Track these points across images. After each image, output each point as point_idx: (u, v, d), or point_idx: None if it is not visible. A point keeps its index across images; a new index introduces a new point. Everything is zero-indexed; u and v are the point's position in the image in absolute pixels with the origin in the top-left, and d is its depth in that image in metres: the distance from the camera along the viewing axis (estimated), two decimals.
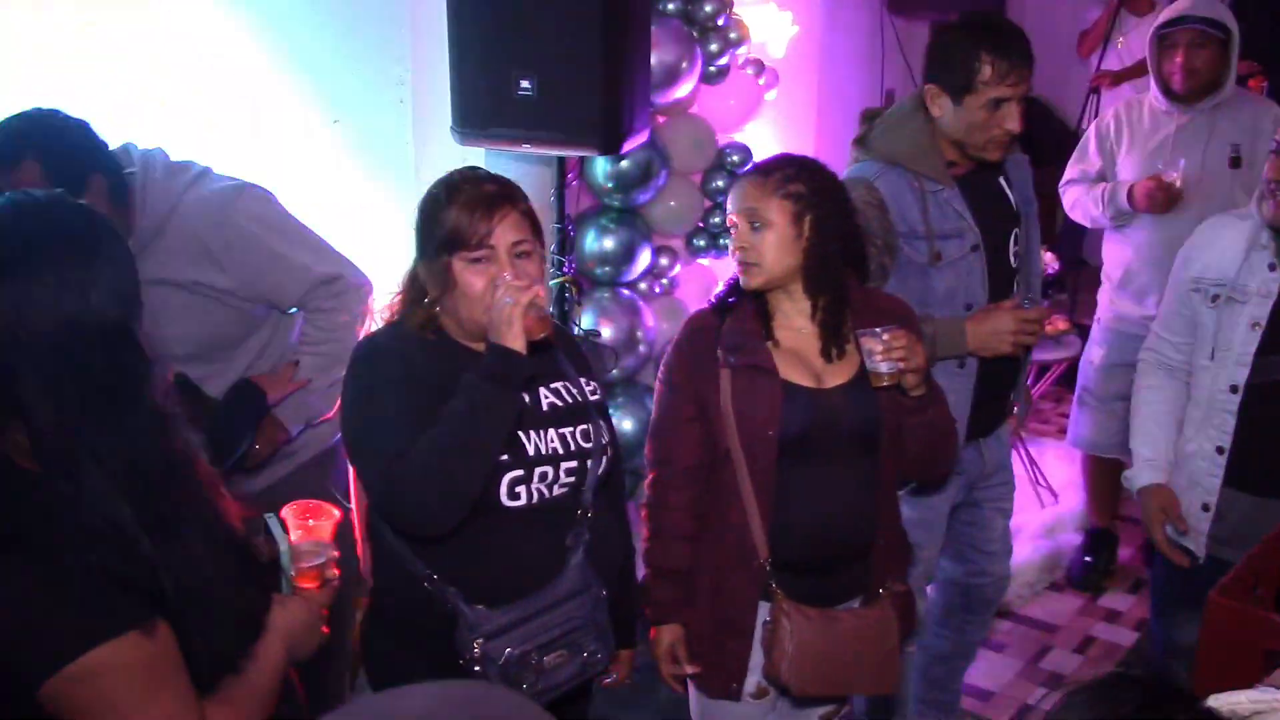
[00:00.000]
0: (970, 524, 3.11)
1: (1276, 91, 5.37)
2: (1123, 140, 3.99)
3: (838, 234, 2.37)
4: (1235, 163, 3.83)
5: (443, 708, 0.87)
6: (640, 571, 2.54)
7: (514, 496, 2.13)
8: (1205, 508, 2.75)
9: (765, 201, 2.35)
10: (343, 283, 2.77)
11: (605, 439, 2.28)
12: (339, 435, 2.85)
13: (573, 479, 2.20)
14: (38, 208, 1.52)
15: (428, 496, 2.01)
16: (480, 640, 2.08)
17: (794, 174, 2.35)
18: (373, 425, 2.09)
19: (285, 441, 2.76)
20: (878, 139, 2.86)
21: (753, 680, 2.47)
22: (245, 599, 1.65)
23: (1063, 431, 4.80)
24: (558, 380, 2.27)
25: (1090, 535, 4.44)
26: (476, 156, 3.56)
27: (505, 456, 2.10)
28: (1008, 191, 2.91)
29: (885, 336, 2.31)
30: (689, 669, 2.47)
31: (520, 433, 2.13)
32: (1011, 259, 2.90)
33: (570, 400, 2.25)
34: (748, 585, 2.41)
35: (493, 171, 3.62)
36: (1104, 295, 4.15)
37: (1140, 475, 2.86)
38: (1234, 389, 2.69)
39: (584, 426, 2.23)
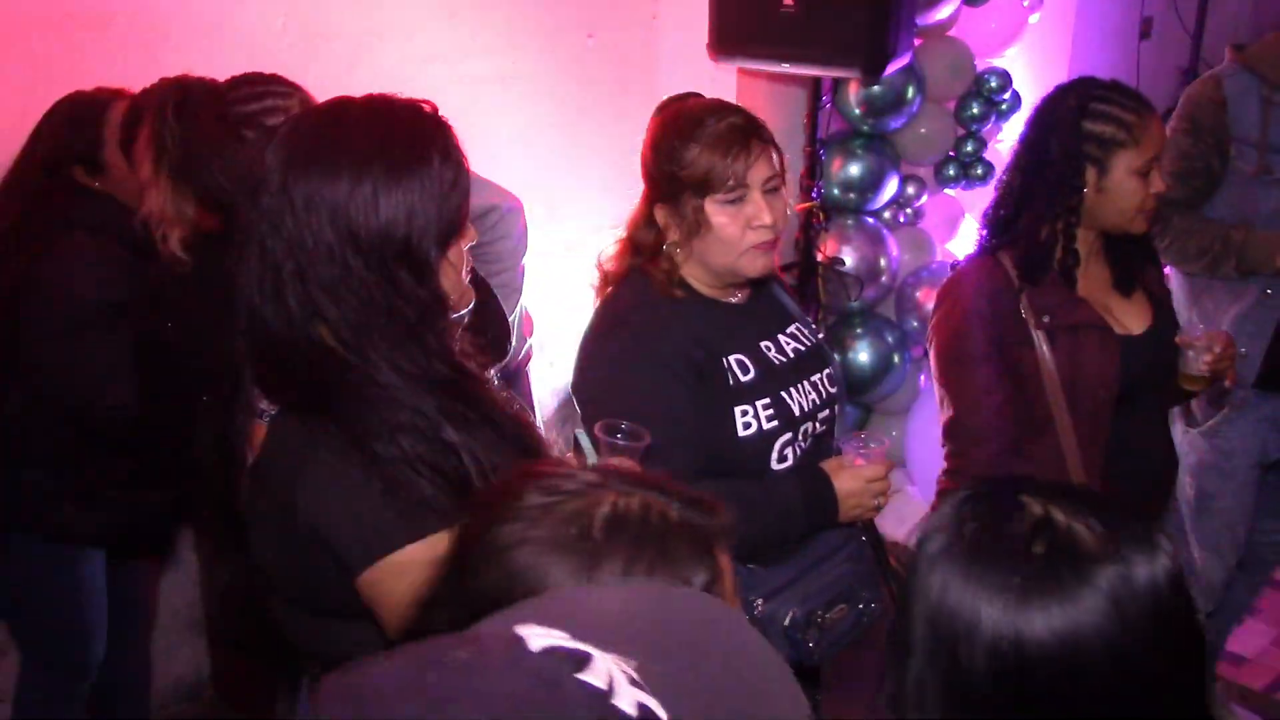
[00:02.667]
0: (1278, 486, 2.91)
1: None
2: None
3: None
4: None
5: (644, 603, 0.84)
6: None
7: (783, 459, 2.03)
8: None
9: None
10: (498, 212, 2.73)
11: (842, 378, 2.16)
12: (519, 358, 2.84)
13: (825, 427, 2.10)
14: (385, 109, 1.51)
15: None
16: (760, 600, 1.98)
17: None
18: (626, 412, 1.88)
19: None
20: (1255, 45, 2.75)
21: None
22: None
23: None
24: (790, 323, 2.14)
25: None
26: (729, 75, 3.50)
27: (775, 422, 1.99)
28: None
29: (1213, 345, 2.20)
30: None
31: (783, 392, 2.02)
32: None
33: (809, 343, 2.14)
34: None
35: (746, 89, 3.59)
36: None
37: None
38: None
39: (828, 370, 2.12)
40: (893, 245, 3.74)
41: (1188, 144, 2.63)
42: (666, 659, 0.75)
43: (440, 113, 1.52)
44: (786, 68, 3.22)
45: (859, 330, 3.79)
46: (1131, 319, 2.27)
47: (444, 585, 1.12)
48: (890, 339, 3.78)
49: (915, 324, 3.77)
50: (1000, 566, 1.05)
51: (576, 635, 0.71)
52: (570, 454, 1.78)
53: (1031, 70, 4.15)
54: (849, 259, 3.69)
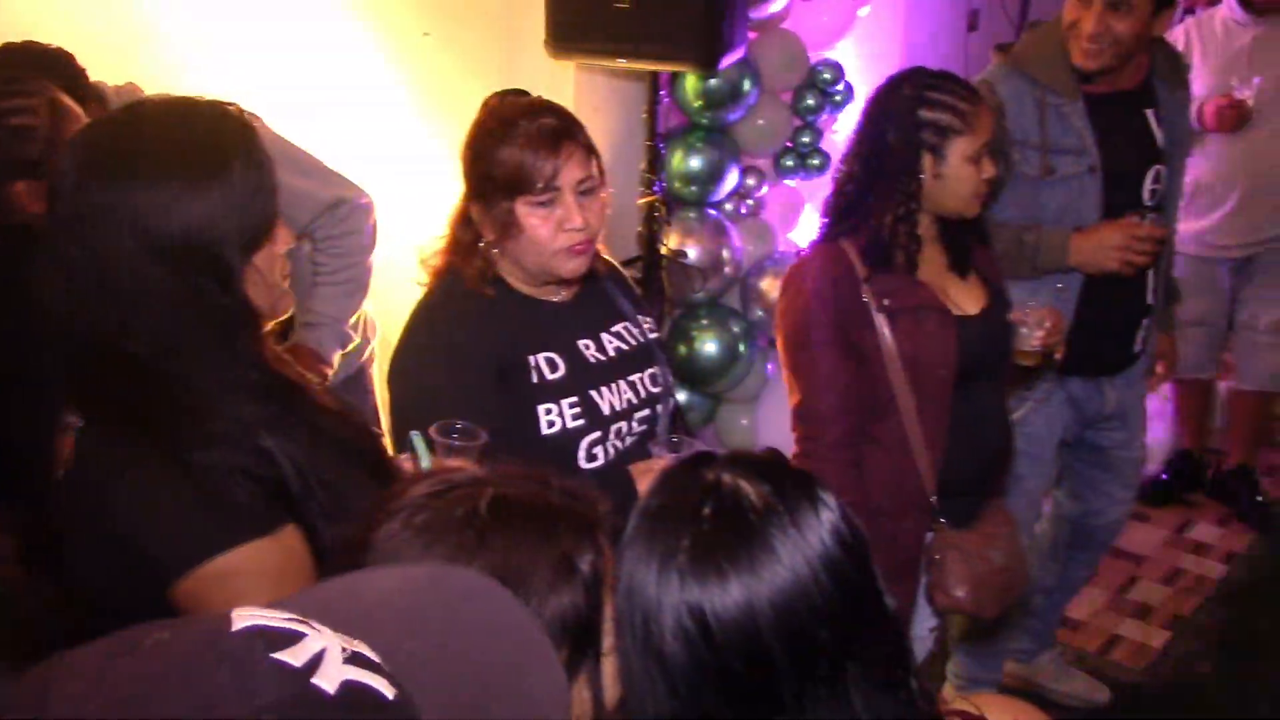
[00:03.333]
0: (1092, 465, 3.05)
1: None
2: (1193, 56, 3.87)
3: None
4: None
5: (406, 584, 0.87)
6: None
7: (591, 459, 2.03)
8: None
9: None
10: (348, 205, 2.68)
11: (670, 378, 2.17)
12: (363, 359, 2.81)
13: (644, 428, 2.11)
14: (186, 111, 1.48)
15: None
16: None
17: None
18: (423, 403, 1.92)
19: (325, 375, 2.64)
20: (1018, 46, 2.82)
21: (924, 619, 2.46)
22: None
23: None
24: (618, 322, 2.15)
25: (1174, 455, 4.40)
26: (567, 71, 3.50)
27: (582, 421, 2.00)
28: (1155, 127, 2.79)
29: (1043, 319, 2.30)
30: None
31: (593, 391, 2.03)
32: (1146, 195, 2.79)
33: (634, 342, 2.14)
34: (916, 526, 2.36)
35: (585, 86, 3.60)
36: None
37: None
38: None
39: (651, 370, 2.13)
40: (735, 236, 3.79)
41: None
42: (416, 637, 0.76)
43: (244, 113, 1.49)
44: (622, 63, 3.24)
45: (705, 321, 3.83)
46: (968, 300, 2.35)
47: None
48: (736, 329, 3.83)
49: (760, 313, 3.83)
50: (671, 531, 1.07)
51: (315, 617, 0.71)
52: (406, 456, 1.77)
53: (864, 62, 4.25)
54: (692, 251, 3.73)
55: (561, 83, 3.53)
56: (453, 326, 1.98)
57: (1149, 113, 2.78)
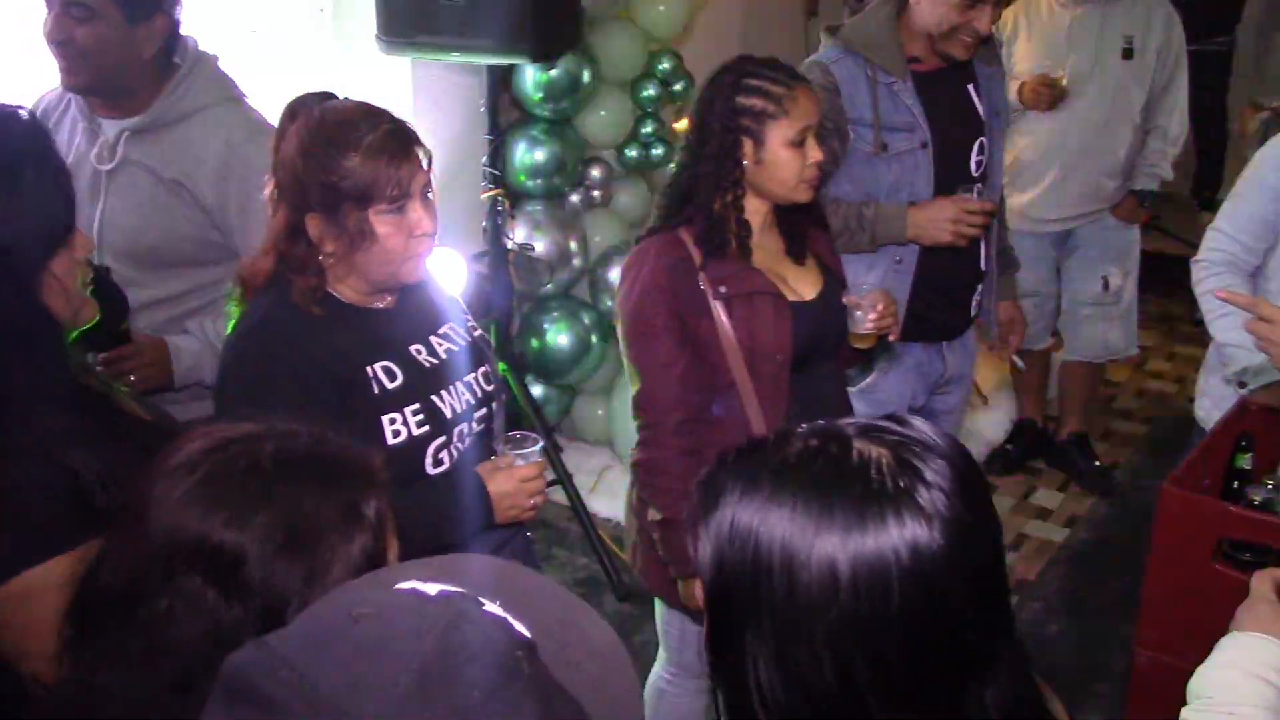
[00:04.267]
0: None
1: None
2: (1019, 36, 4.02)
3: None
4: (1127, 54, 3.89)
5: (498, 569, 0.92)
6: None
7: (438, 464, 2.00)
8: None
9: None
10: None
11: (498, 374, 2.15)
12: None
13: (482, 427, 2.09)
14: None
15: None
16: None
17: None
18: None
19: (160, 384, 2.44)
20: (848, 27, 2.86)
21: None
22: None
23: None
24: (443, 323, 2.09)
25: (1016, 425, 4.54)
26: (403, 67, 3.45)
27: (427, 427, 1.96)
28: (976, 101, 2.88)
29: (876, 302, 2.32)
30: None
31: (433, 396, 1.98)
32: (973, 167, 2.88)
33: (462, 342, 2.10)
34: None
35: (423, 82, 3.56)
36: None
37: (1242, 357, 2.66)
38: None
39: (483, 368, 2.11)
40: (581, 228, 3.79)
41: None
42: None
43: (37, 120, 1.44)
44: (457, 58, 3.21)
45: (555, 314, 3.83)
46: (804, 285, 2.38)
47: (109, 552, 1.12)
48: (586, 320, 3.84)
49: (610, 304, 3.85)
50: (837, 493, 1.02)
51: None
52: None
53: (705, 51, 4.29)
54: (539, 244, 3.72)
55: (399, 78, 3.49)
56: (289, 350, 1.88)
57: (970, 87, 2.88)
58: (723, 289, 2.24)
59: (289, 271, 1.90)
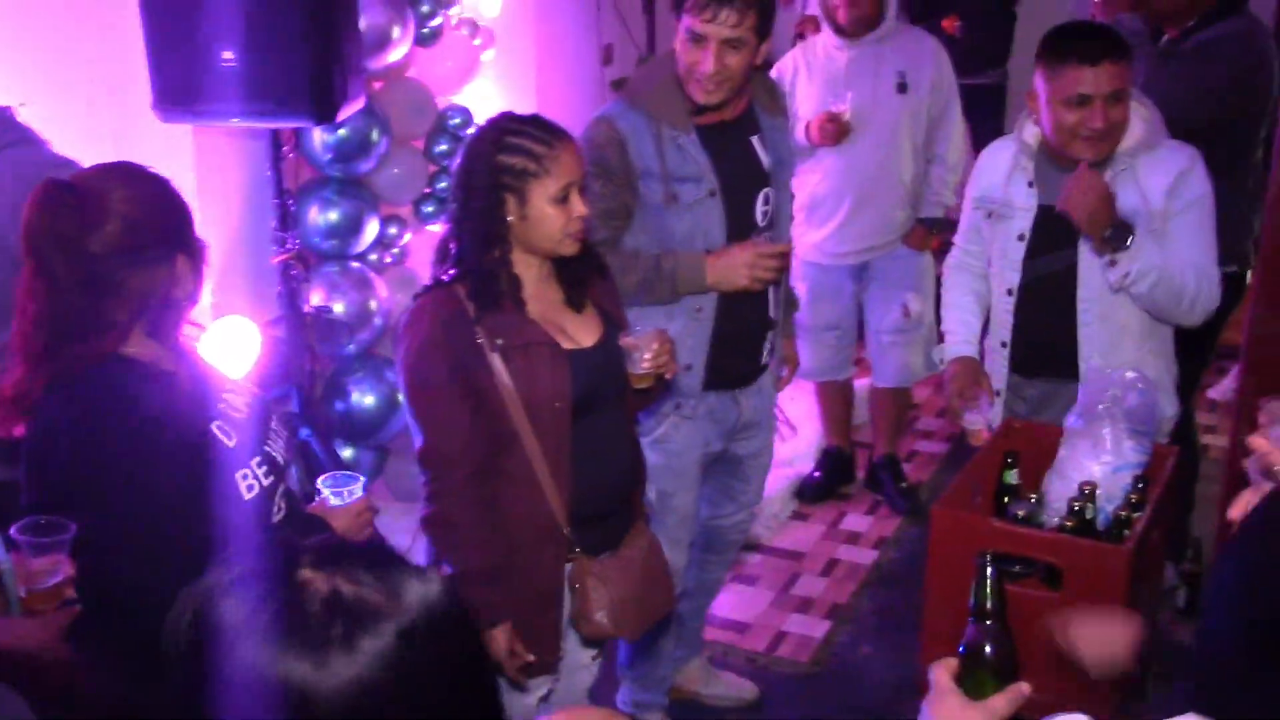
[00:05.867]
0: (730, 475, 3.20)
1: (969, 30, 5.78)
2: (799, 78, 4.20)
3: None
4: (902, 88, 4.13)
5: None
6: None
7: (279, 511, 2.03)
8: (997, 393, 3.01)
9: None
10: None
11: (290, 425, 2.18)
12: None
13: (281, 499, 2.09)
14: None
15: None
16: None
17: None
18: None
19: None
20: (631, 83, 2.94)
21: (577, 649, 2.53)
22: None
23: None
24: (224, 382, 2.11)
25: (823, 454, 4.68)
26: (184, 134, 3.39)
27: (271, 477, 2.00)
28: (760, 152, 2.97)
29: (651, 342, 2.39)
30: (532, 657, 2.38)
31: (266, 445, 2.01)
32: (759, 217, 2.97)
33: (246, 394, 2.11)
34: (553, 558, 2.41)
35: (205, 148, 3.49)
36: (796, 229, 4.35)
37: (950, 350, 3.10)
38: (1009, 292, 2.94)
39: (273, 416, 2.13)
40: (381, 287, 3.77)
41: (600, 187, 2.76)
42: None
43: None
44: (237, 123, 3.17)
45: (359, 375, 3.80)
46: (583, 333, 2.43)
47: None
48: (391, 378, 3.81)
49: None
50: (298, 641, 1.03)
51: None
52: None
53: (502, 102, 4.32)
54: (339, 305, 3.69)
55: (180, 145, 3.42)
56: (150, 424, 1.87)
57: (754, 139, 2.97)
58: (499, 341, 2.28)
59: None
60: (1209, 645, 1.41)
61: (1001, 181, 2.94)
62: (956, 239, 3.21)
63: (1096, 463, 2.45)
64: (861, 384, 4.73)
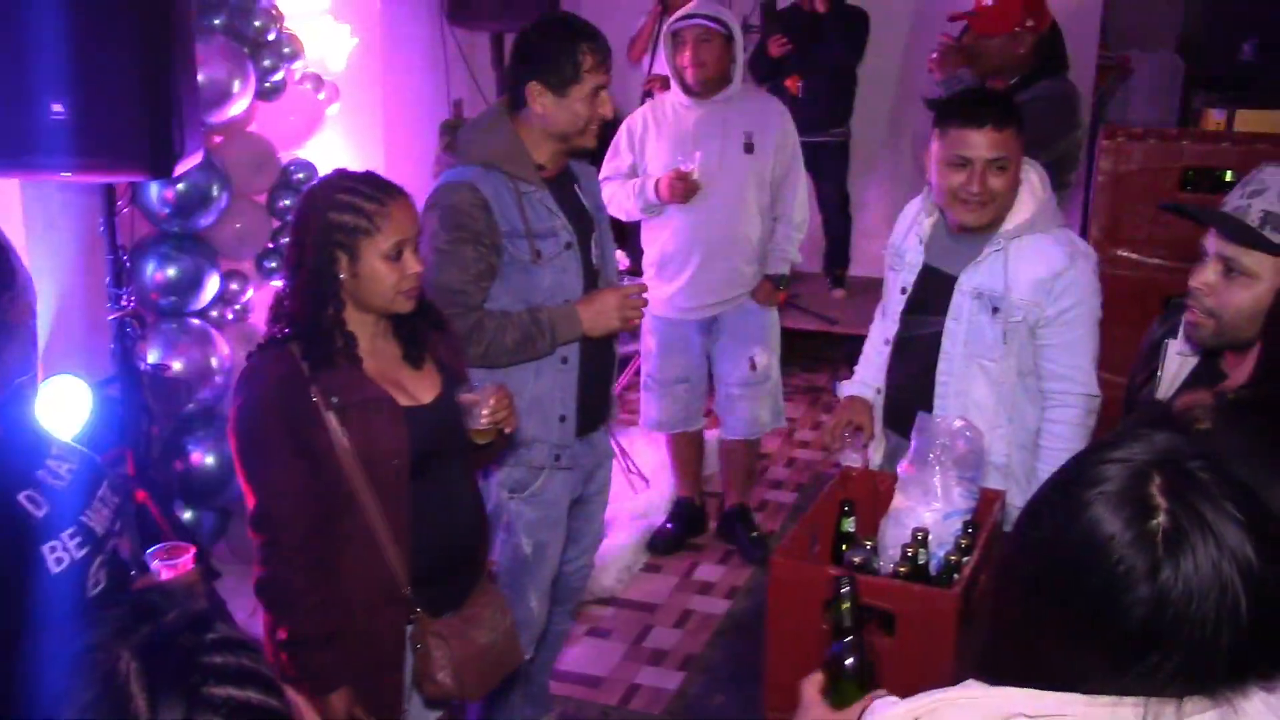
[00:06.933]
0: (574, 517, 3.21)
1: (811, 90, 5.98)
2: (649, 136, 4.29)
3: None
4: (749, 148, 4.25)
5: None
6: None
7: (96, 584, 1.91)
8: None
9: None
10: None
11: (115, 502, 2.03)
12: None
13: (117, 540, 1.99)
14: None
15: None
16: None
17: None
18: None
19: None
20: (470, 145, 2.95)
21: (421, 711, 2.49)
22: None
23: None
24: (47, 447, 1.97)
25: (675, 505, 4.72)
26: (12, 189, 3.28)
27: (85, 549, 1.88)
28: (582, 199, 3.05)
29: (489, 396, 2.41)
30: None
31: (81, 515, 1.87)
32: (593, 259, 3.04)
33: (73, 461, 1.96)
34: (394, 618, 2.37)
35: (34, 203, 3.38)
36: (648, 284, 4.42)
37: (844, 387, 3.15)
38: (887, 342, 3.02)
39: (103, 484, 1.98)
40: (222, 343, 3.70)
41: (469, 252, 2.80)
42: None
43: None
44: (68, 177, 3.08)
45: (200, 434, 3.70)
46: (421, 389, 2.42)
47: None
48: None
49: None
50: None
51: None
52: None
53: (349, 157, 4.30)
54: (177, 363, 3.59)
55: (7, 200, 3.31)
56: None
57: (575, 188, 3.05)
58: (334, 399, 2.25)
59: None
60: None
61: (903, 233, 3.02)
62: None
63: (928, 509, 2.53)
64: (712, 435, 4.79)
